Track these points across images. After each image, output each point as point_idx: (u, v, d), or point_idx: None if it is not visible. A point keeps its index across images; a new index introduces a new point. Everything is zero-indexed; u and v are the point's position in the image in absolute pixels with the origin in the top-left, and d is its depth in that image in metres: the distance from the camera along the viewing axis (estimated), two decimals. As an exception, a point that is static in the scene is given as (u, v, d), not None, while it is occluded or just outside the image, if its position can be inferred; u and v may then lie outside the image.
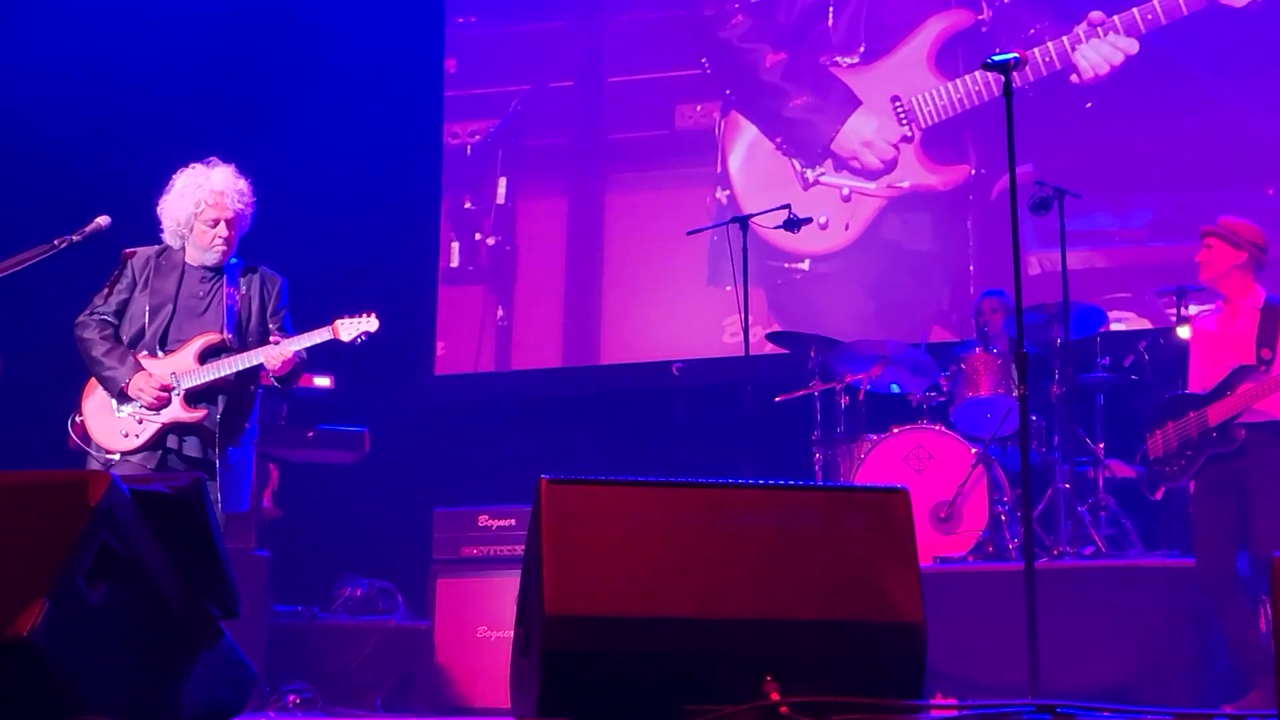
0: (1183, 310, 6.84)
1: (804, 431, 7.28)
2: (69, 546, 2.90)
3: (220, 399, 5.19)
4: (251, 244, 5.44)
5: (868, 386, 7.20)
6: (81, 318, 5.22)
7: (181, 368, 5.15)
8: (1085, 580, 6.07)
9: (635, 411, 8.40)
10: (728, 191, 8.74)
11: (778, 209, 6.97)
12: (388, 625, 7.10)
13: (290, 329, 5.32)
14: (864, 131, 8.45)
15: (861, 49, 8.56)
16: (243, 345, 5.24)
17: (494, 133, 9.30)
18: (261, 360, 5.17)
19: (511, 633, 3.39)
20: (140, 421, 5.14)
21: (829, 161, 8.51)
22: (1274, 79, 7.71)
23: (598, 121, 9.17)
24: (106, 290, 5.21)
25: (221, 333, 5.22)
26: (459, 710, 6.64)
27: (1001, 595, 5.85)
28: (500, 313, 9.09)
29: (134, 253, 5.27)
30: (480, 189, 9.29)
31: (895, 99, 8.38)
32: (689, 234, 7.80)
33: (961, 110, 8.25)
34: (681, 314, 8.62)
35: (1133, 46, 7.91)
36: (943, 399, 7.10)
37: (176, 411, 5.14)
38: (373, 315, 5.29)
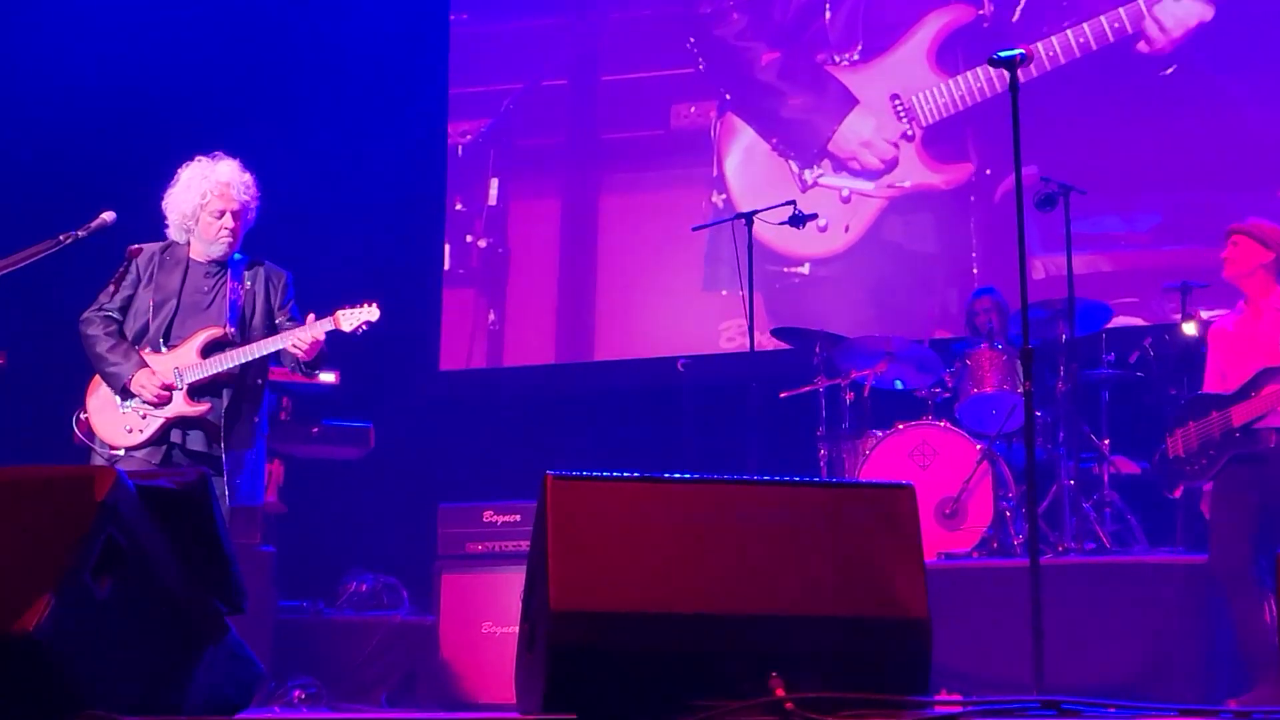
0: (1187, 306, 6.83)
1: (809, 428, 7.28)
2: (75, 542, 2.91)
3: (225, 393, 5.20)
4: (255, 239, 5.45)
5: (873, 383, 7.19)
6: (86, 314, 5.23)
7: (184, 362, 5.16)
8: (1090, 576, 6.06)
9: (640, 408, 8.39)
10: (724, 195, 8.62)
11: (783, 205, 6.96)
12: (393, 621, 7.10)
13: (300, 320, 5.31)
14: (862, 131, 8.37)
15: (860, 46, 8.49)
16: (245, 339, 5.24)
17: (485, 133, 9.19)
18: (282, 347, 5.17)
19: (516, 628, 3.39)
20: (144, 417, 5.15)
21: (827, 162, 8.43)
22: (1282, 77, 7.65)
23: (591, 121, 9.05)
24: (112, 287, 5.22)
25: (224, 327, 5.22)
26: (464, 706, 6.63)
27: (1006, 591, 5.85)
28: (492, 317, 8.98)
29: (139, 249, 5.27)
30: (471, 190, 9.17)
31: (895, 97, 8.32)
32: (694, 229, 7.79)
33: (963, 108, 8.18)
34: (678, 319, 8.53)
35: (1208, 13, 7.75)
36: (948, 395, 7.10)
37: (180, 406, 5.15)
38: (374, 305, 5.27)
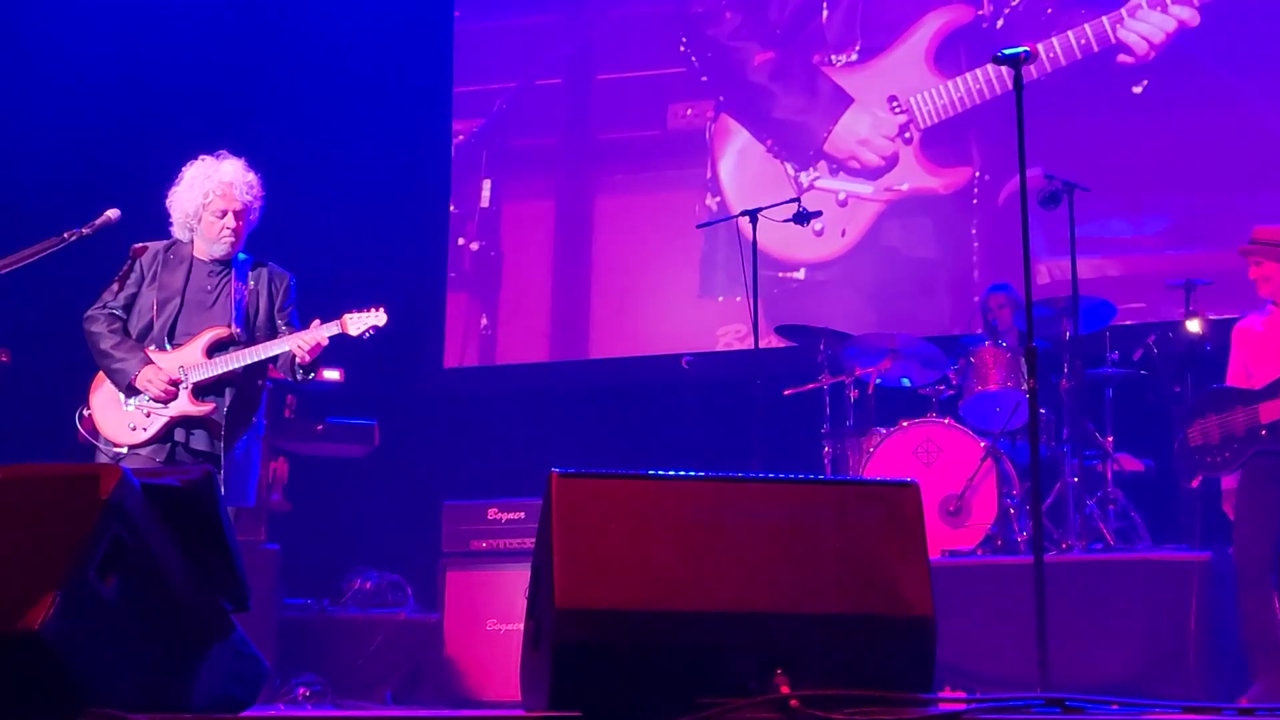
0: (1191, 304, 6.82)
1: (813, 425, 7.27)
2: (80, 540, 2.91)
3: (228, 392, 5.20)
4: (259, 237, 5.45)
5: (877, 380, 7.19)
6: (90, 311, 5.23)
7: (189, 361, 5.16)
8: (1094, 574, 6.06)
9: (645, 405, 8.38)
10: (718, 198, 8.52)
11: (787, 202, 6.95)
12: (397, 618, 7.11)
13: (298, 325, 5.32)
14: (859, 129, 8.27)
15: (858, 46, 8.39)
16: (250, 340, 5.24)
17: (478, 133, 9.06)
18: (286, 349, 5.16)
19: (521, 626, 3.39)
20: (148, 415, 5.15)
21: (823, 164, 8.32)
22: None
23: (586, 121, 8.93)
24: (116, 285, 5.21)
25: (229, 327, 5.22)
26: (469, 703, 6.64)
27: (1010, 588, 5.86)
28: (484, 321, 8.88)
29: (143, 248, 5.27)
30: (464, 191, 9.05)
31: (892, 99, 8.21)
32: (699, 226, 7.76)
33: (963, 109, 8.08)
34: (674, 324, 8.45)
35: (1194, 18, 7.68)
36: (952, 392, 7.09)
37: (184, 405, 5.15)
38: (381, 310, 5.25)
